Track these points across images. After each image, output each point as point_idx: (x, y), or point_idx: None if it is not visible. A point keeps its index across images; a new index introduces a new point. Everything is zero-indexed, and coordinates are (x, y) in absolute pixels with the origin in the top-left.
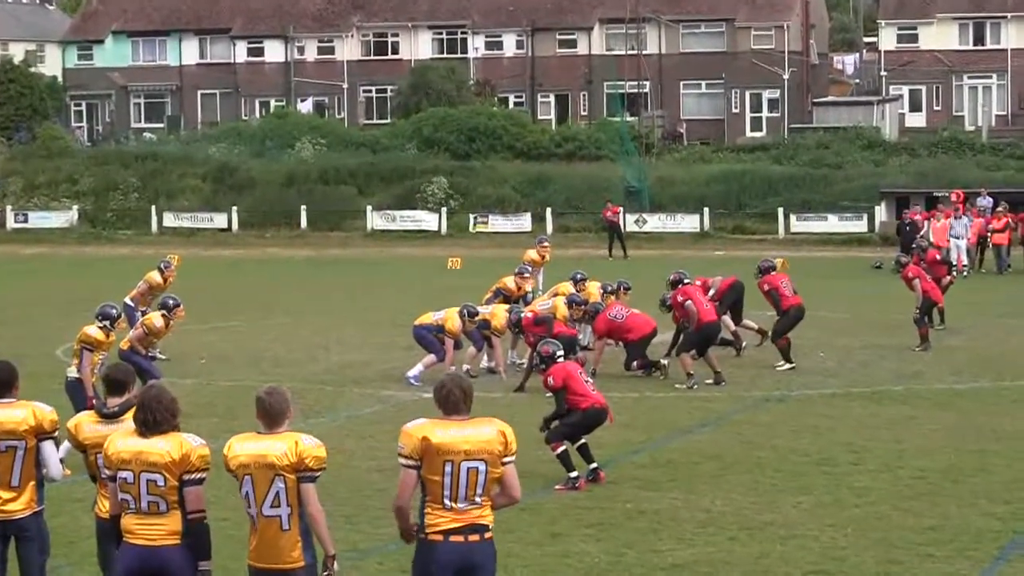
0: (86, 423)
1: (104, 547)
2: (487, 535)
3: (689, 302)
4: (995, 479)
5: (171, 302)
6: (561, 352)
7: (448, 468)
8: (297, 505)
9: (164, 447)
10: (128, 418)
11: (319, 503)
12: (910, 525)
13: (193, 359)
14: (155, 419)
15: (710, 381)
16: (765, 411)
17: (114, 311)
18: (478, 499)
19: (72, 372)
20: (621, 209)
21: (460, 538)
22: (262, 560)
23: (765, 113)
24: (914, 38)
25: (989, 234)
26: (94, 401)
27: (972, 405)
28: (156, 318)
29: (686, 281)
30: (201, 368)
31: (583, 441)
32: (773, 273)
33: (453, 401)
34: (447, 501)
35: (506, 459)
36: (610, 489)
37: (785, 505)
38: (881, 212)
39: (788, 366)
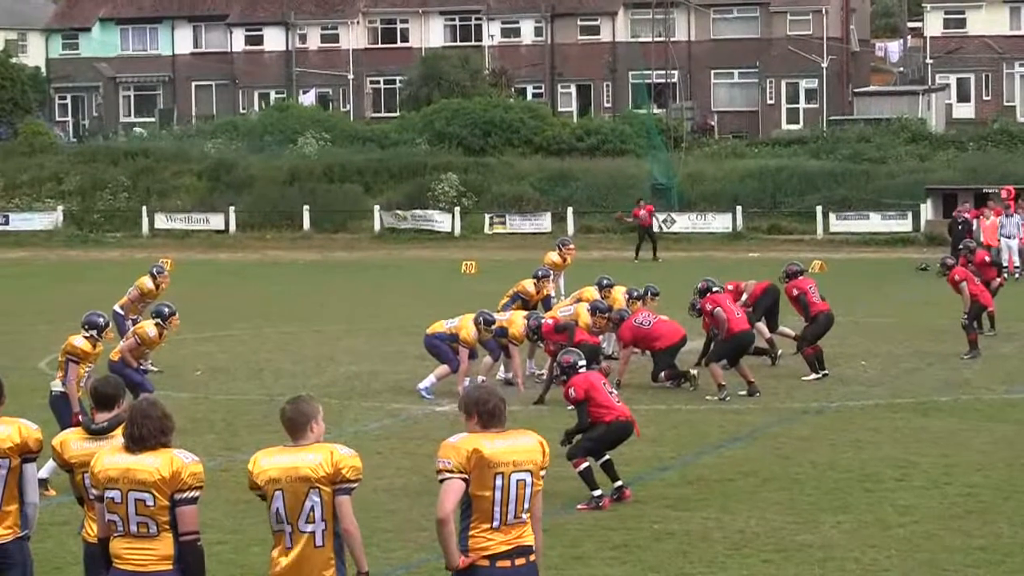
0: (73, 440)
1: (92, 573)
2: (532, 557)
3: (718, 310)
4: None
5: (166, 310)
6: (583, 362)
7: (499, 481)
8: (332, 520)
9: (153, 464)
10: (117, 434)
11: (354, 518)
12: (959, 545)
13: (188, 371)
14: (141, 434)
15: (743, 392)
16: (803, 424)
17: (101, 320)
18: (524, 515)
19: (56, 386)
20: (653, 208)
21: (507, 563)
22: None
23: (802, 104)
24: (962, 23)
25: None
26: (80, 417)
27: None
28: (149, 327)
29: (715, 289)
30: (197, 381)
31: (607, 457)
32: (801, 277)
33: (497, 414)
34: (496, 520)
35: (542, 471)
36: (636, 508)
37: (824, 525)
38: (927, 210)
39: (814, 376)
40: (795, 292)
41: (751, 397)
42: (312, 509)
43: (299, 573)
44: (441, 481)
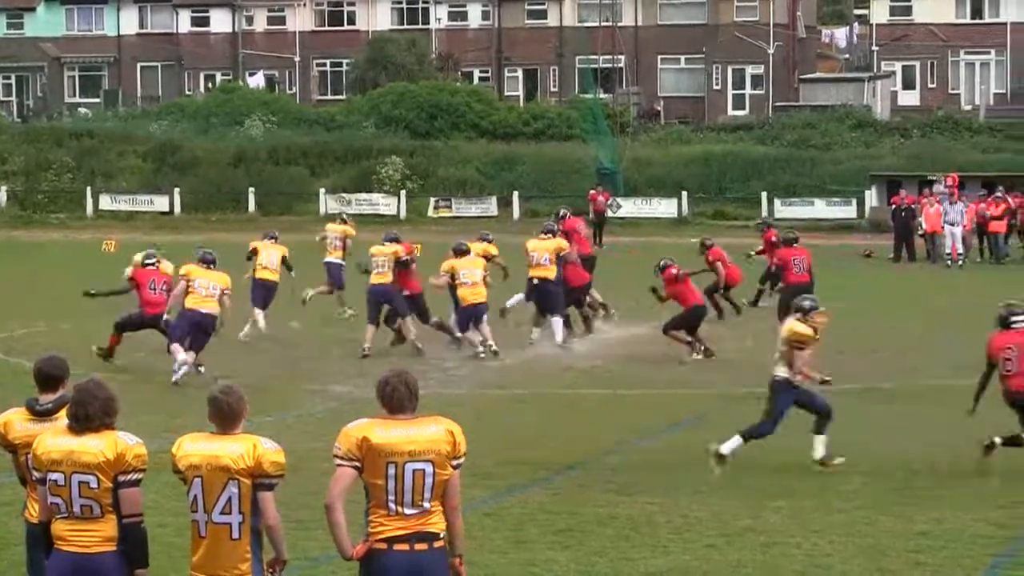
0: (16, 421)
1: (33, 554)
2: (436, 544)
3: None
4: (991, 482)
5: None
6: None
7: (391, 470)
8: (249, 514)
9: (97, 446)
10: (61, 416)
11: (277, 513)
12: (900, 530)
13: (132, 352)
14: (86, 413)
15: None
16: (747, 409)
17: None
18: (426, 504)
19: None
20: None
21: (405, 546)
22: (206, 570)
23: (748, 90)
24: (908, 11)
25: (983, 221)
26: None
27: (968, 403)
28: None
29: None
30: (140, 362)
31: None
32: (794, 246)
33: (398, 398)
34: (392, 506)
35: (455, 461)
36: (580, 493)
37: (767, 510)
38: (871, 197)
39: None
40: (778, 261)
41: (699, 357)
42: (229, 500)
43: (214, 564)
44: (336, 466)
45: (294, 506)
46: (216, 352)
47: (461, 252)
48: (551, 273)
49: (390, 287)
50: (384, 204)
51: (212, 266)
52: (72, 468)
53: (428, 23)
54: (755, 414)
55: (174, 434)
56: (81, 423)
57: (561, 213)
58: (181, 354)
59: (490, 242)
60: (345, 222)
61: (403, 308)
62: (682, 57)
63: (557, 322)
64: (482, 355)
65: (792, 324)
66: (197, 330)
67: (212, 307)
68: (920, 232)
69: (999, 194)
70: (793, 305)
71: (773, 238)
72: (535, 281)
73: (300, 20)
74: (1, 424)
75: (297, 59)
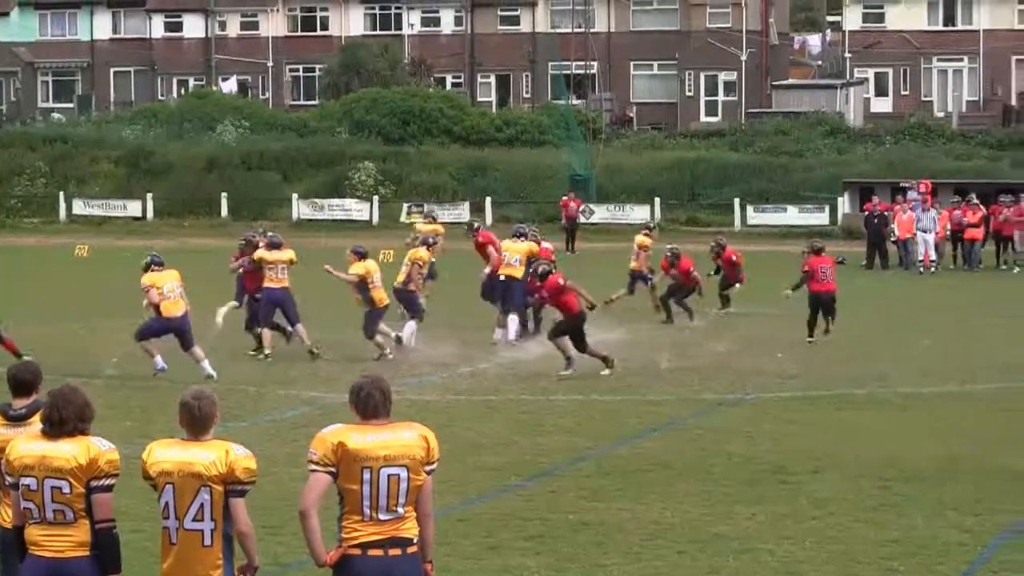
0: None
1: (7, 559)
2: (410, 549)
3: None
4: (964, 489)
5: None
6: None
7: (367, 475)
8: (221, 520)
9: (70, 451)
10: (35, 421)
11: (249, 519)
12: (872, 538)
13: (104, 358)
14: (61, 417)
15: (605, 372)
16: (719, 415)
17: None
18: (400, 509)
19: None
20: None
21: (379, 552)
22: None
23: (721, 97)
24: (880, 17)
25: (958, 228)
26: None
27: (940, 409)
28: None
29: (554, 271)
30: (113, 367)
31: None
32: (819, 256)
33: (373, 404)
34: (367, 511)
35: (428, 466)
36: (552, 499)
37: (739, 516)
38: (844, 204)
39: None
40: (806, 268)
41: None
42: (201, 507)
43: (185, 571)
44: (311, 472)
45: (263, 511)
46: (187, 357)
47: (364, 255)
48: (519, 273)
49: (286, 292)
50: (357, 210)
51: (163, 267)
52: (44, 473)
53: (401, 29)
54: (729, 419)
55: (149, 439)
56: (55, 427)
57: (475, 226)
58: (159, 358)
59: (430, 247)
60: (434, 220)
61: (295, 315)
62: (655, 63)
63: (513, 320)
64: (389, 354)
65: None
66: (180, 333)
67: (184, 307)
68: (892, 239)
69: (974, 201)
70: None
71: (733, 257)
72: (502, 278)
73: (273, 25)
74: None
75: (270, 64)
